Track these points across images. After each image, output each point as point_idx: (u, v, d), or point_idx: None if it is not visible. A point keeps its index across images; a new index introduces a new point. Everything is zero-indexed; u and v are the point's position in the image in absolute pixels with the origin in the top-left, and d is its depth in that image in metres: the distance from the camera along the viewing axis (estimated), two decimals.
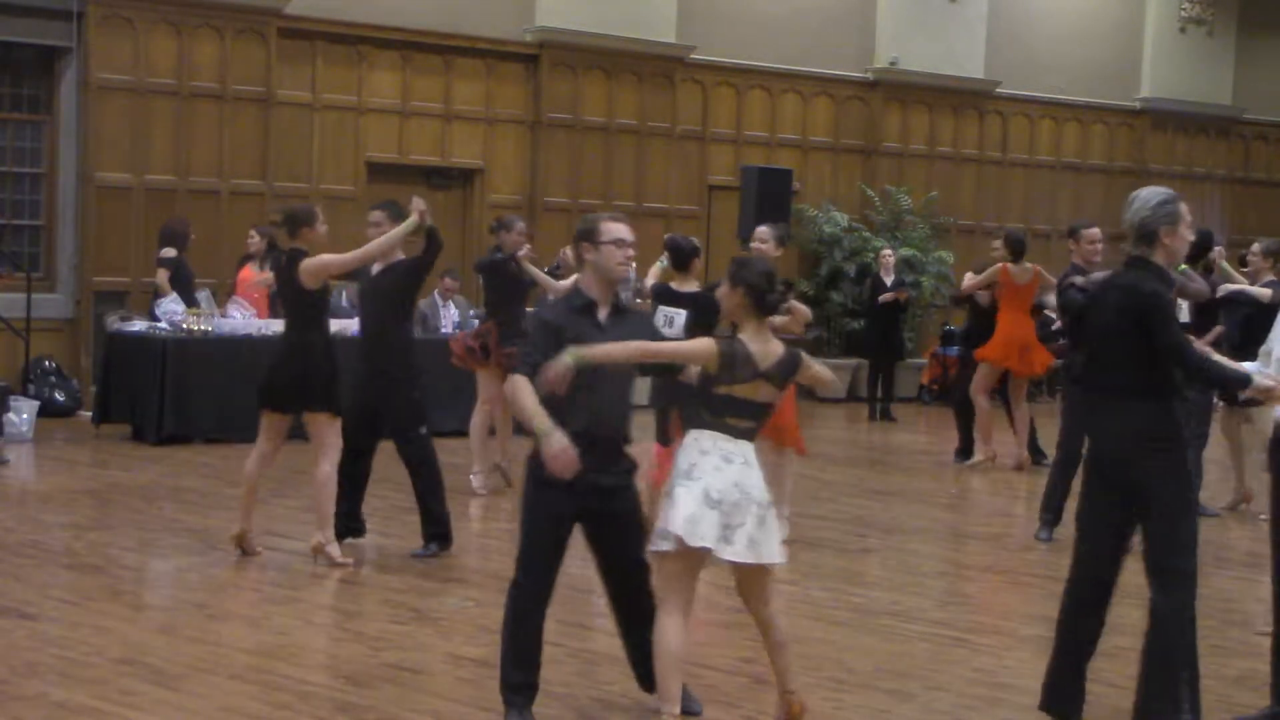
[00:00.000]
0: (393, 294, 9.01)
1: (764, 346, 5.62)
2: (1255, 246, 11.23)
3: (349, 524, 9.14)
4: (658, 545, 5.56)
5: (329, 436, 8.72)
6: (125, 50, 15.42)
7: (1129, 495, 5.82)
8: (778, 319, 6.65)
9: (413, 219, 8.72)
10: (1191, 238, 6.06)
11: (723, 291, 5.75)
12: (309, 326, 8.65)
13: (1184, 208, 5.94)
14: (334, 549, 8.74)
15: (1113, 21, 22.51)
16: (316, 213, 8.86)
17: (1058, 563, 9.66)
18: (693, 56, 18.83)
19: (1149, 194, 5.98)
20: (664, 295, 9.28)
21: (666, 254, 9.18)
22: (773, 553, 5.61)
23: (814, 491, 12.30)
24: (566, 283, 11.05)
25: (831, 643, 7.51)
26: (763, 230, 9.70)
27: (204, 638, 7.18)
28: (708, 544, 5.46)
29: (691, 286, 9.07)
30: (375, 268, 9.07)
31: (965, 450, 13.85)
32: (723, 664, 6.71)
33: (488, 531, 10.07)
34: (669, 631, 5.55)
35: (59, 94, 15.48)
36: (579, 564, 9.29)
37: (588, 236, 5.79)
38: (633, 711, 6.17)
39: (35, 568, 8.60)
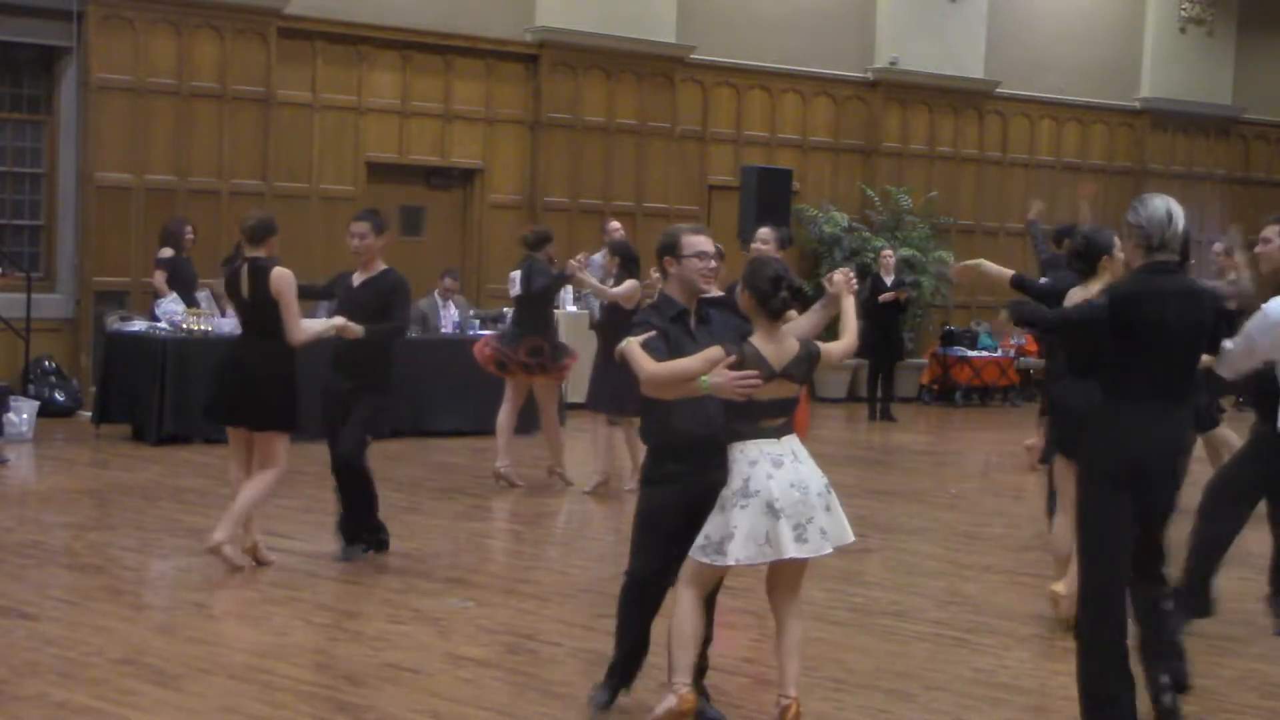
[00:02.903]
0: (371, 307, 8.80)
1: (777, 346, 5.68)
2: (1218, 246, 11.21)
3: (375, 534, 9.11)
4: (702, 557, 5.64)
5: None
6: (125, 50, 15.42)
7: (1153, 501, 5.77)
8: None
9: (334, 324, 8.64)
10: None
11: (738, 291, 5.86)
12: (275, 335, 8.51)
13: None
14: (230, 550, 8.56)
15: (1113, 21, 22.51)
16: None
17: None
18: (693, 56, 18.83)
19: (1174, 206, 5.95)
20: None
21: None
22: (845, 533, 5.76)
23: None
24: (622, 289, 11.09)
25: (831, 643, 7.51)
26: (764, 231, 9.71)
27: (204, 638, 7.18)
28: (790, 554, 5.58)
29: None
30: (356, 278, 8.94)
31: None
32: (723, 664, 6.70)
33: (488, 531, 10.08)
34: (689, 616, 5.72)
35: (59, 94, 15.49)
36: (580, 565, 9.30)
37: (670, 250, 5.91)
38: (633, 712, 6.17)
39: (35, 568, 8.59)
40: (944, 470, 13.74)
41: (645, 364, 5.56)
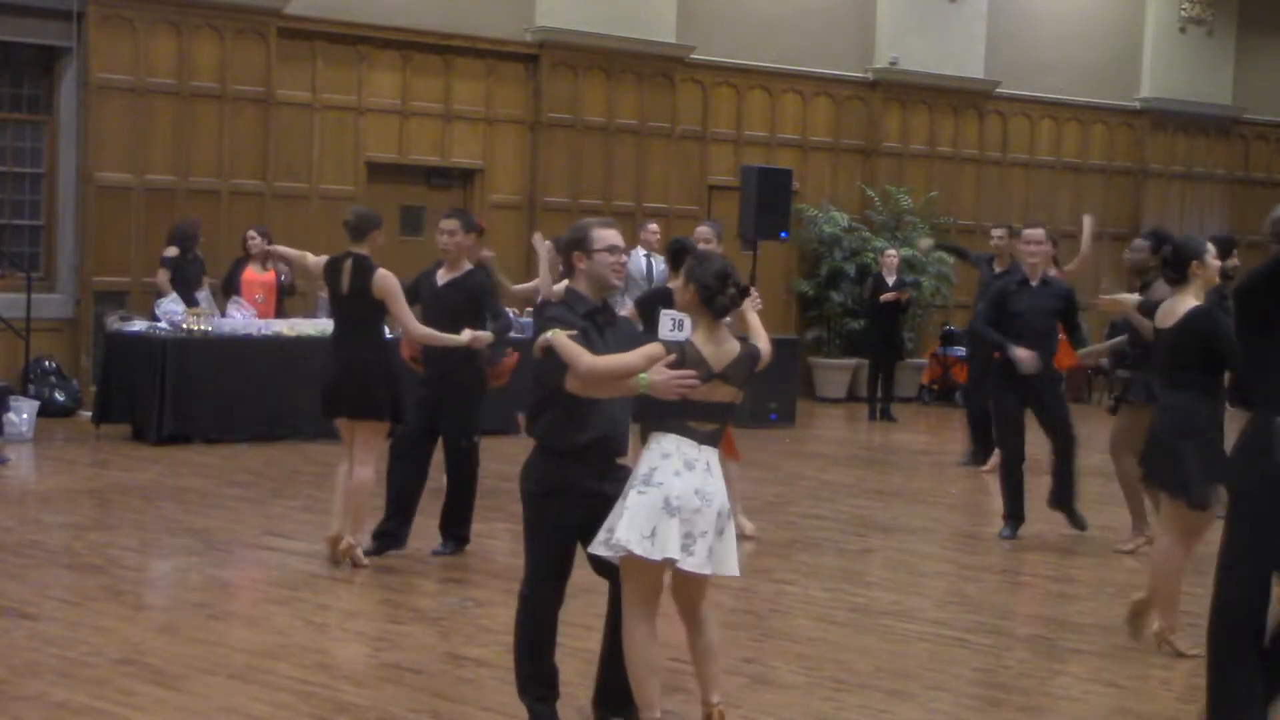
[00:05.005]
0: (458, 309, 8.94)
1: (717, 347, 5.44)
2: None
3: (398, 536, 9.16)
4: (601, 551, 5.41)
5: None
6: (125, 50, 15.41)
7: None
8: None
9: (462, 340, 8.73)
10: None
11: (677, 287, 5.62)
12: (373, 333, 8.72)
13: None
14: (359, 552, 8.77)
15: (1113, 22, 22.51)
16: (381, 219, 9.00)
17: (1058, 563, 9.69)
18: (693, 56, 18.83)
19: None
20: (665, 298, 9.30)
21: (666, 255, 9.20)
22: (730, 565, 5.48)
23: (814, 491, 12.31)
24: (535, 284, 11.03)
25: (831, 643, 7.51)
26: (704, 230, 9.77)
27: (204, 638, 7.18)
28: (671, 555, 5.31)
29: None
30: (441, 279, 9.07)
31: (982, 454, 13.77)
32: (722, 664, 6.70)
33: (487, 532, 10.06)
34: (638, 638, 5.47)
35: (59, 94, 15.48)
36: (579, 565, 9.30)
37: (579, 245, 5.64)
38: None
39: (35, 568, 8.59)
40: (944, 470, 13.73)
41: (583, 357, 5.29)
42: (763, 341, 5.66)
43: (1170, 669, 7.20)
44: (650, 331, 6.51)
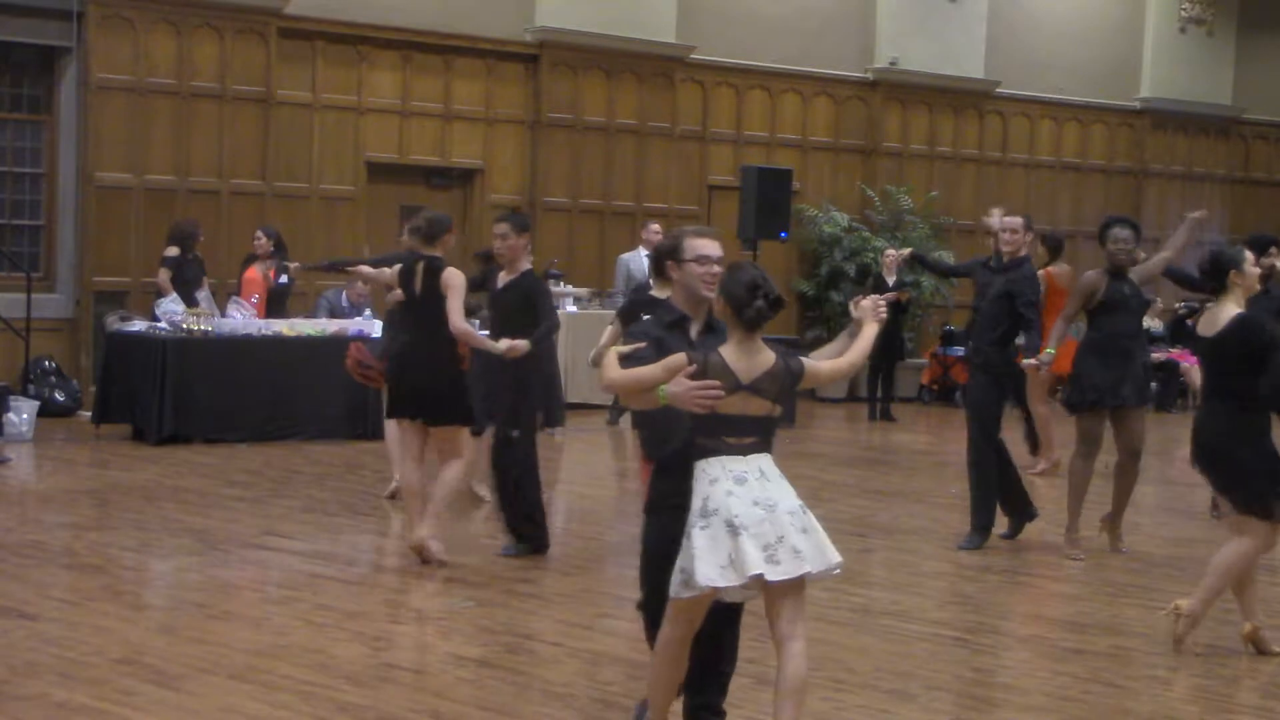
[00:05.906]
0: (514, 309, 9.05)
1: (748, 358, 5.23)
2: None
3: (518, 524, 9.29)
4: (679, 593, 5.25)
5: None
6: (125, 50, 15.42)
7: None
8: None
9: (499, 348, 8.81)
10: None
11: (714, 297, 5.54)
12: (442, 331, 8.78)
13: None
14: (436, 544, 8.83)
15: (1113, 21, 22.52)
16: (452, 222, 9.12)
17: (1059, 563, 9.68)
18: (693, 56, 18.83)
19: None
20: (648, 305, 9.29)
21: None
22: (828, 557, 5.24)
23: (814, 491, 12.28)
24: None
25: (831, 643, 7.50)
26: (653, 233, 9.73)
27: (204, 638, 7.18)
28: (756, 570, 5.11)
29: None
30: (501, 280, 9.20)
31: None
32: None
33: (488, 531, 10.07)
34: (669, 655, 5.41)
35: (59, 94, 15.48)
36: (580, 565, 9.30)
37: (672, 254, 5.57)
38: (633, 712, 6.16)
39: (35, 568, 8.59)
40: (944, 470, 13.72)
41: (607, 371, 5.26)
42: (851, 355, 5.58)
43: (1170, 669, 7.20)
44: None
